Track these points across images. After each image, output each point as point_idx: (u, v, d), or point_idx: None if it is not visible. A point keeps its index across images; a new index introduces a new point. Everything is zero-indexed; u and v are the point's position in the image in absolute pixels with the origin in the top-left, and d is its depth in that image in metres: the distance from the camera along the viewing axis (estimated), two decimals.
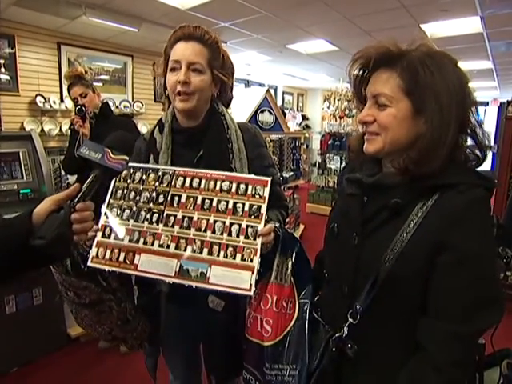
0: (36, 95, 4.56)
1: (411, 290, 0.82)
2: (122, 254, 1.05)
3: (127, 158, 0.86)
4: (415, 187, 0.82)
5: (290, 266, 1.05)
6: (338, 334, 0.89)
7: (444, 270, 0.78)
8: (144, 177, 1.11)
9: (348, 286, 0.90)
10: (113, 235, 1.07)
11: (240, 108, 4.14)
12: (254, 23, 4.41)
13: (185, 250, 1.03)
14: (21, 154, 2.30)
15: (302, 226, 5.29)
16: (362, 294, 0.85)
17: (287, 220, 1.33)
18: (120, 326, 1.12)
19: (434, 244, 0.78)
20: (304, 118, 10.98)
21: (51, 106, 4.60)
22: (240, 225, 1.03)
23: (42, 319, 2.39)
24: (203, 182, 1.09)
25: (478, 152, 0.88)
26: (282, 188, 1.58)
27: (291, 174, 4.95)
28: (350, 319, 0.87)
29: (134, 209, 1.09)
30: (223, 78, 1.19)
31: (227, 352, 1.19)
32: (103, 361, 2.41)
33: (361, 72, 0.91)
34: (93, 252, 1.06)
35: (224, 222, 1.04)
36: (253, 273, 0.99)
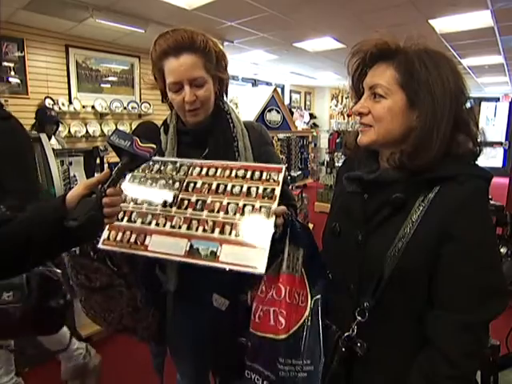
0: (45, 98, 4.62)
1: (418, 283, 0.82)
2: (134, 236, 1.04)
3: (155, 146, 0.88)
4: (415, 181, 0.83)
5: (300, 256, 1.02)
6: (346, 334, 0.89)
7: (449, 260, 0.79)
8: (162, 168, 1.12)
9: (354, 284, 0.90)
10: (125, 218, 1.07)
11: (247, 107, 4.13)
12: (261, 22, 4.40)
13: (196, 230, 1.02)
14: None
15: (310, 226, 5.26)
16: (368, 291, 0.85)
17: None
18: (131, 314, 1.11)
19: (438, 235, 0.79)
20: (312, 116, 10.93)
21: (60, 108, 4.66)
22: (253, 206, 1.02)
23: None
24: (219, 170, 1.09)
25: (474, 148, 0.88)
26: (290, 187, 1.57)
27: (299, 173, 4.93)
28: (359, 317, 0.87)
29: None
30: (221, 76, 1.17)
31: (233, 352, 1.18)
32: (113, 361, 2.42)
33: (360, 67, 0.93)
34: (104, 235, 1.05)
35: (237, 204, 1.03)
36: (264, 251, 0.96)
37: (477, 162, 0.87)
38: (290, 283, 0.98)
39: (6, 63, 4.25)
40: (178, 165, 1.12)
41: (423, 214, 0.81)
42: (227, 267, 0.96)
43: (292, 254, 1.01)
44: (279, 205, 1.03)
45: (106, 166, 3.27)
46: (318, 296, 1.00)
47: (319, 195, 6.59)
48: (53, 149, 2.47)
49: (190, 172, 1.10)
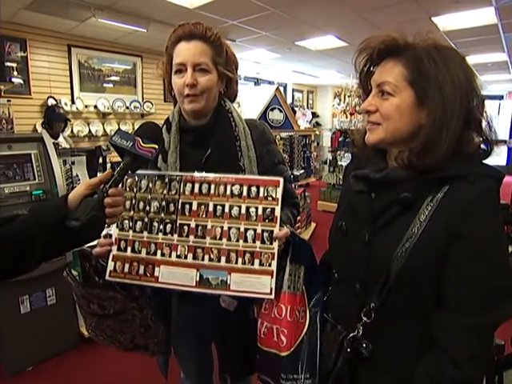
0: (48, 97, 4.63)
1: (425, 284, 0.81)
2: (142, 267, 1.05)
3: (157, 146, 0.88)
4: (424, 180, 0.81)
5: (302, 274, 1.04)
6: (352, 334, 0.88)
7: (458, 261, 0.77)
8: (150, 185, 1.09)
9: (360, 284, 0.89)
10: (129, 248, 1.07)
11: (250, 106, 4.13)
12: (263, 20, 4.39)
13: (202, 259, 1.03)
14: (33, 156, 2.32)
15: (313, 224, 5.25)
16: (375, 291, 0.84)
17: (298, 218, 1.32)
18: (142, 334, 1.10)
19: (446, 236, 0.77)
20: (314, 115, 10.91)
21: (62, 108, 4.65)
22: (255, 230, 1.02)
23: (55, 319, 2.41)
24: (212, 187, 1.06)
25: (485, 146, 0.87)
26: (293, 186, 1.56)
27: (302, 171, 4.93)
28: (364, 318, 0.86)
29: (146, 220, 1.08)
30: (229, 74, 1.17)
31: (241, 351, 1.18)
32: (116, 360, 2.43)
33: (367, 64, 0.91)
34: (110, 266, 1.05)
35: (239, 229, 1.03)
36: (272, 277, 0.99)
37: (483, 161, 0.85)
38: (292, 302, 1.01)
39: (8, 63, 4.26)
40: (166, 180, 1.09)
41: (431, 214, 0.79)
42: (238, 295, 1.01)
43: (293, 273, 1.04)
44: (281, 209, 1.03)
45: (108, 165, 3.28)
46: (316, 309, 1.02)
47: (322, 194, 6.58)
48: (56, 148, 2.46)
49: (181, 190, 1.07)
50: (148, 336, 1.12)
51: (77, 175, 2.76)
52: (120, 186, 0.87)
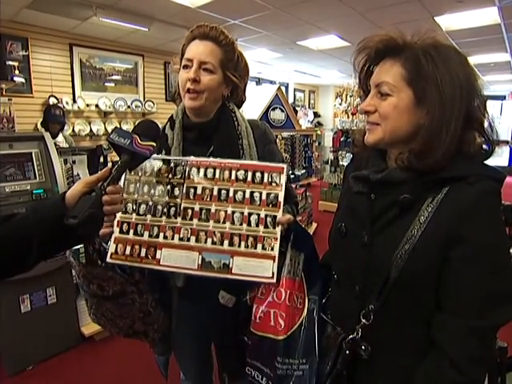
0: (49, 96, 4.64)
1: (425, 286, 0.80)
2: (143, 250, 1.05)
3: (154, 144, 0.89)
4: (424, 182, 0.80)
5: (301, 260, 1.05)
6: (351, 336, 0.87)
7: (458, 264, 0.76)
8: (156, 168, 1.12)
9: (359, 285, 0.88)
10: (131, 231, 1.07)
11: (251, 106, 4.12)
12: (264, 20, 4.38)
13: (205, 242, 1.04)
14: (33, 155, 2.32)
15: (314, 225, 5.24)
16: (374, 293, 0.84)
17: (299, 218, 1.32)
18: (142, 319, 1.11)
19: (446, 238, 0.76)
20: (316, 115, 10.90)
21: (64, 107, 4.65)
22: (259, 214, 1.04)
23: (56, 318, 2.41)
24: (217, 171, 1.07)
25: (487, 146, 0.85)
26: (294, 186, 1.56)
27: (303, 171, 4.91)
28: (363, 320, 0.85)
29: (150, 203, 1.08)
30: (234, 80, 1.19)
31: (239, 349, 1.18)
32: (117, 359, 2.43)
33: (366, 64, 0.90)
34: (111, 248, 1.06)
35: (242, 213, 1.04)
36: (274, 261, 1.01)
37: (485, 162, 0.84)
38: (291, 287, 1.02)
39: (10, 62, 4.27)
40: (172, 165, 1.10)
41: (431, 216, 0.78)
42: (240, 279, 1.01)
43: (294, 259, 1.04)
44: (284, 205, 1.04)
45: (109, 164, 3.26)
46: (315, 297, 1.03)
47: (323, 194, 6.58)
48: (57, 148, 2.46)
49: (187, 174, 1.09)
50: (147, 322, 1.12)
51: (78, 174, 2.76)
52: (120, 183, 0.87)
